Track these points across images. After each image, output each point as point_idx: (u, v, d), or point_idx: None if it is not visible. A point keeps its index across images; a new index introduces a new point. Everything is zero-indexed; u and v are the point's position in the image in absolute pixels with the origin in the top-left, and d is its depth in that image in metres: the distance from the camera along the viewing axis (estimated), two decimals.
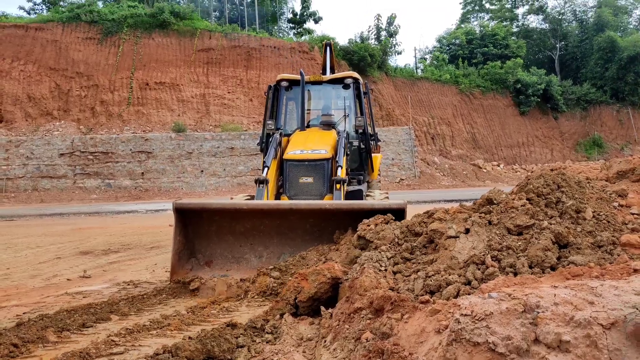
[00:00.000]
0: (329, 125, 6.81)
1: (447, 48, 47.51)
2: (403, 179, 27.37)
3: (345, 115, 7.27)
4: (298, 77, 7.02)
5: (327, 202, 5.05)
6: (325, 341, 3.07)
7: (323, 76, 7.57)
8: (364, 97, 7.56)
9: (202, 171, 25.21)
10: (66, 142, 24.81)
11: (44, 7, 36.57)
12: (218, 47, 29.31)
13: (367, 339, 2.75)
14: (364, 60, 34.91)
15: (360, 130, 7.06)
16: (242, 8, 39.36)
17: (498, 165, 37.98)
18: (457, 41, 46.29)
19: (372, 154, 7.68)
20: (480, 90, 40.86)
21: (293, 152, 6.05)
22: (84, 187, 24.48)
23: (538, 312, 2.38)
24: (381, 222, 4.17)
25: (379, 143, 8.20)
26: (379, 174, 7.98)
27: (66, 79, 27.43)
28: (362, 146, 7.23)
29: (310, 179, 5.85)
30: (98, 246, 8.21)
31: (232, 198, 6.12)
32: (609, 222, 3.52)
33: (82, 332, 3.61)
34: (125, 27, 28.67)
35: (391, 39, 42.02)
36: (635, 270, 2.71)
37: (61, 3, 35.11)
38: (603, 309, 2.28)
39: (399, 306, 3.00)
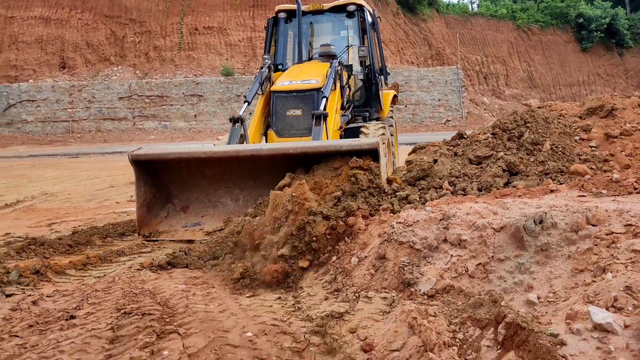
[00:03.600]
0: (328, 57, 6.26)
1: None
2: (449, 120, 27.22)
3: (347, 46, 6.64)
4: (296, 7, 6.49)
5: (290, 146, 4.59)
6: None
7: (324, 4, 6.93)
8: (372, 27, 7.07)
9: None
10: (124, 86, 26.28)
11: None
12: None
13: None
14: None
15: (366, 63, 6.58)
16: None
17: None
18: None
19: (383, 90, 7.33)
20: (539, 26, 38.79)
21: (281, 83, 5.64)
22: (142, 128, 26.08)
23: (450, 220, 2.99)
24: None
25: (394, 82, 7.76)
26: (391, 113, 7.59)
27: (120, 25, 28.60)
28: (368, 80, 6.79)
29: (298, 112, 5.43)
30: None
31: (214, 143, 5.78)
32: (564, 153, 3.95)
33: (121, 239, 4.58)
34: None
35: None
36: (552, 191, 3.22)
37: None
38: (501, 217, 2.87)
39: (367, 218, 3.66)
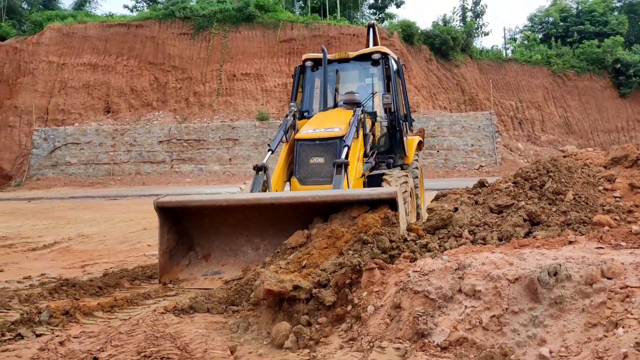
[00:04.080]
0: (353, 104, 6.29)
1: (540, 27, 45.14)
2: (482, 166, 26.97)
3: (372, 93, 6.70)
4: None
5: (309, 194, 4.60)
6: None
7: (349, 53, 7.03)
8: (396, 74, 7.12)
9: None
10: (164, 131, 27.31)
11: (144, 4, 39.88)
12: (299, 38, 30.48)
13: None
14: (446, 44, 34.37)
15: (390, 110, 6.60)
16: None
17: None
18: (551, 19, 43.82)
19: (408, 137, 7.34)
20: (575, 71, 38.48)
21: (305, 131, 5.70)
22: (179, 171, 26.87)
23: (466, 269, 3.00)
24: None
25: (418, 127, 7.70)
26: (416, 159, 7.50)
27: (163, 72, 30.01)
28: (392, 127, 6.77)
29: (321, 159, 5.45)
30: None
31: (241, 187, 5.94)
32: (587, 203, 3.91)
33: (149, 282, 4.72)
34: (215, 22, 30.67)
35: (477, 19, 40.90)
36: (570, 242, 3.20)
37: (159, 0, 38.13)
38: (516, 268, 2.86)
39: (383, 268, 3.70)
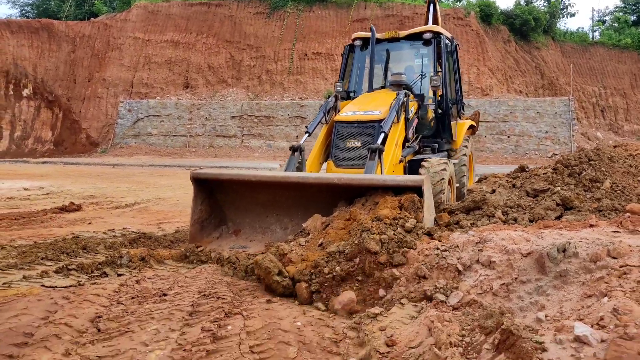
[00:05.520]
0: (399, 86, 6.08)
1: (633, 8, 41.99)
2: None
3: (421, 74, 6.45)
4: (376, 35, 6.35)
5: (335, 177, 4.57)
6: None
7: (400, 32, 6.74)
8: (449, 55, 6.82)
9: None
10: (237, 107, 28.45)
11: None
12: (372, 17, 30.40)
13: None
14: (527, 25, 32.90)
15: (439, 92, 6.30)
16: None
17: None
18: None
19: (457, 120, 6.98)
20: None
21: (345, 113, 5.61)
22: (249, 146, 27.98)
23: (486, 243, 3.31)
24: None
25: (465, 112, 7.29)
26: (465, 144, 6.99)
27: (239, 50, 31.09)
28: (440, 110, 6.45)
29: (358, 143, 5.33)
30: None
31: (280, 164, 5.91)
32: (623, 192, 4.02)
33: None
34: (290, 2, 31.22)
35: None
36: (591, 226, 3.41)
37: None
38: (531, 244, 3.15)
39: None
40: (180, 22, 32.22)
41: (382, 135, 5.08)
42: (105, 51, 31.84)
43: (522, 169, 4.52)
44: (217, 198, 5.01)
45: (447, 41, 6.75)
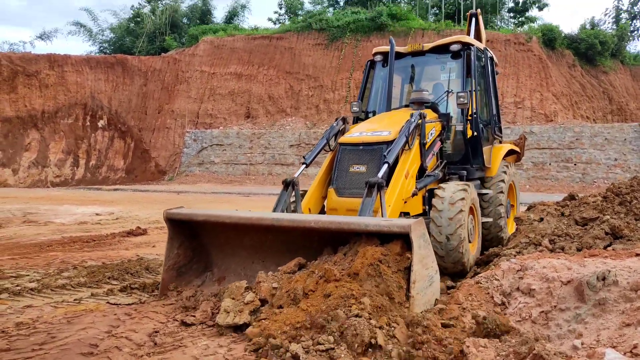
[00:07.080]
0: (421, 104, 5.35)
1: None
2: None
3: (447, 91, 5.68)
4: (396, 49, 5.70)
5: (312, 219, 3.80)
6: None
7: (425, 44, 6.07)
8: (483, 70, 6.10)
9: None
10: (295, 135, 29.18)
11: (286, 17, 42.75)
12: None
13: None
14: (593, 48, 31.85)
15: (468, 112, 5.53)
16: (460, 1, 39.49)
17: None
18: None
19: (493, 145, 6.27)
20: None
21: (351, 135, 4.93)
22: (306, 173, 28.40)
23: (527, 271, 3.34)
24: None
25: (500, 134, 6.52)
26: (504, 170, 6.20)
27: (298, 81, 32.03)
28: (469, 133, 5.61)
29: (362, 168, 4.61)
30: None
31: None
32: None
33: None
34: (348, 32, 31.97)
35: (633, 21, 37.21)
36: (637, 255, 3.35)
37: (299, 12, 40.67)
38: (572, 272, 3.15)
39: None
40: (243, 55, 33.69)
41: (385, 166, 4.30)
42: (174, 84, 33.74)
43: (571, 197, 4.45)
44: (204, 241, 4.42)
45: (479, 53, 6.03)
